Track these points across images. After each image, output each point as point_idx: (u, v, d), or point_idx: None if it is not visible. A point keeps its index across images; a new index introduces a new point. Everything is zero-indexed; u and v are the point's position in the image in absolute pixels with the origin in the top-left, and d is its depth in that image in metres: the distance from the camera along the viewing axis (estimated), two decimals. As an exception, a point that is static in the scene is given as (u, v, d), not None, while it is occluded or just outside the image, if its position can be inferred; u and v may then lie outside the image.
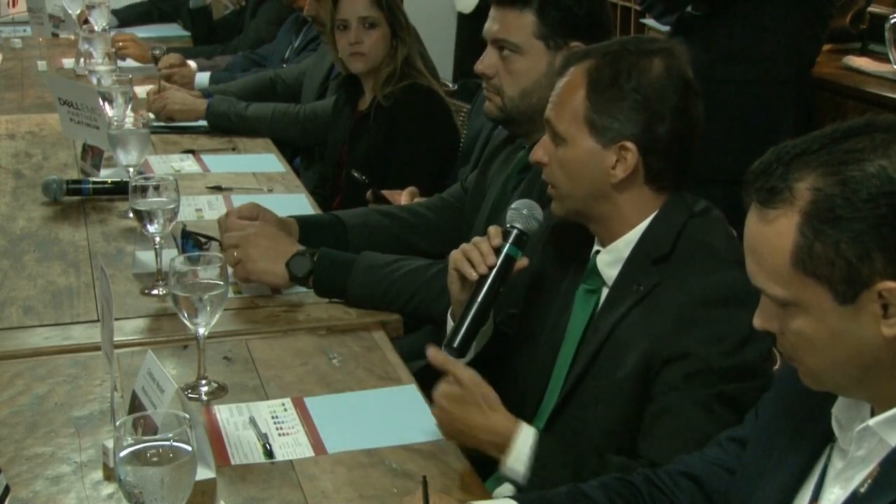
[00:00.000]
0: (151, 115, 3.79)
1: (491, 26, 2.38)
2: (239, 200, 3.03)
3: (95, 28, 4.83)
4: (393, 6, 3.34)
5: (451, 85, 4.16)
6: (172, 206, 2.31)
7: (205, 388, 1.98)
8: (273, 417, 1.92)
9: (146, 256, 2.49)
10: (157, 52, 4.80)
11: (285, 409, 1.95)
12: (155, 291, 2.39)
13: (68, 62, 4.95)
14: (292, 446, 1.83)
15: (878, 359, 1.28)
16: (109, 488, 1.68)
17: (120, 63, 4.75)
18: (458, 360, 2.00)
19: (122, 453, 1.36)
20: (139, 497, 1.35)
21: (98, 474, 1.72)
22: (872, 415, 1.33)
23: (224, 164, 3.47)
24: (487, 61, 2.39)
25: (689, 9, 3.32)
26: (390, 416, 1.95)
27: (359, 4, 3.31)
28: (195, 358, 2.00)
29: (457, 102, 3.76)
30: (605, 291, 1.91)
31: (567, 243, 2.03)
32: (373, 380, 2.07)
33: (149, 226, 2.30)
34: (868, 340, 1.28)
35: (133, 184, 2.34)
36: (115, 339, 1.89)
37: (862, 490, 1.30)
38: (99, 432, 1.84)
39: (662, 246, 1.85)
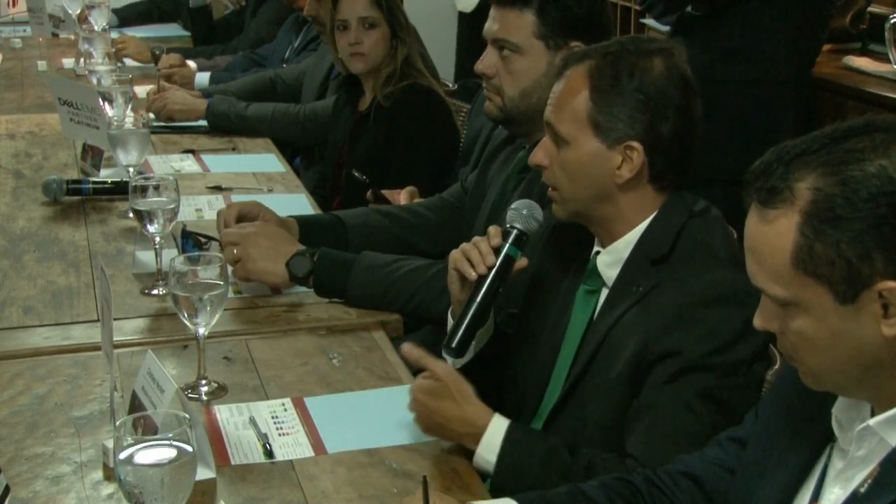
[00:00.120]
0: (151, 115, 3.79)
1: (491, 26, 2.38)
2: (239, 200, 3.03)
3: (95, 28, 4.82)
4: (393, 6, 3.34)
5: (451, 85, 4.16)
6: (172, 206, 2.31)
7: (205, 388, 1.98)
8: (273, 417, 1.92)
9: (146, 256, 2.50)
10: (157, 52, 4.80)
11: (285, 409, 1.95)
12: (155, 291, 2.39)
13: (68, 62, 4.95)
14: (292, 446, 1.83)
15: (879, 359, 1.28)
16: (109, 488, 1.68)
17: (126, 61, 4.77)
18: (457, 360, 2.00)
19: (122, 453, 1.36)
20: (139, 497, 1.35)
21: (98, 474, 1.72)
22: (872, 415, 1.33)
23: (224, 164, 3.47)
24: (487, 61, 2.39)
25: (689, 9, 3.32)
26: (390, 416, 1.94)
27: (358, 5, 3.31)
28: (195, 358, 2.00)
29: (457, 102, 3.76)
30: (604, 292, 1.91)
31: (567, 244, 2.03)
32: (373, 380, 2.08)
33: (149, 226, 2.30)
34: (868, 340, 1.28)
35: (133, 184, 2.34)
36: (115, 339, 1.89)
37: (862, 490, 1.30)
38: (99, 432, 1.84)
39: (661, 247, 1.85)
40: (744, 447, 1.57)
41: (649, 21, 4.75)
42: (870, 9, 4.20)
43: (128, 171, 2.77)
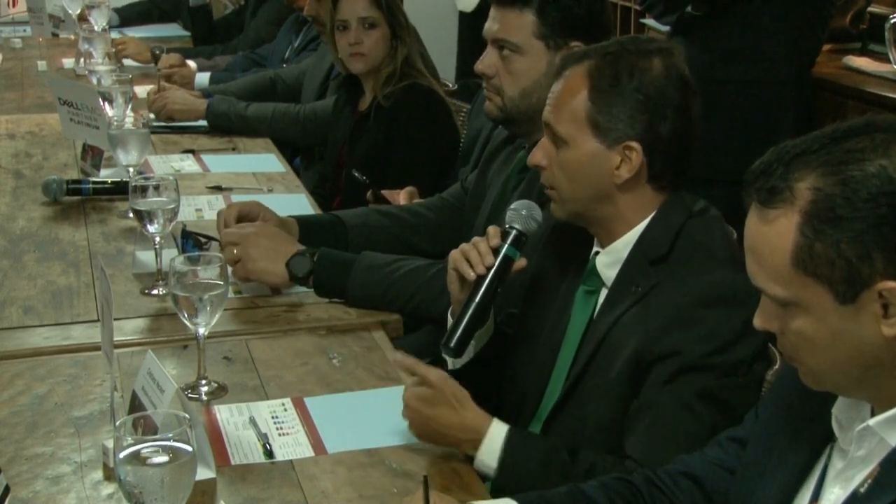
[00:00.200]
0: (151, 115, 3.79)
1: (491, 26, 2.38)
2: (239, 200, 3.03)
3: (95, 28, 4.82)
4: (392, 6, 3.34)
5: (451, 85, 4.16)
6: (172, 206, 2.31)
7: (205, 388, 1.98)
8: (273, 417, 1.92)
9: (146, 256, 2.50)
10: (157, 52, 4.80)
11: (285, 409, 1.95)
12: (155, 291, 2.39)
13: (68, 62, 4.95)
14: (292, 446, 1.83)
15: (879, 359, 1.29)
16: (109, 488, 1.68)
17: (124, 62, 4.77)
18: (456, 360, 2.00)
19: (122, 453, 1.36)
20: (139, 497, 1.35)
21: (98, 474, 1.72)
22: (872, 415, 1.33)
23: (224, 164, 3.47)
24: (487, 61, 2.39)
25: (689, 9, 3.32)
26: (390, 416, 1.94)
27: (358, 5, 3.31)
28: (195, 358, 2.00)
29: (457, 102, 3.76)
30: (604, 292, 1.91)
31: (567, 244, 2.03)
32: (373, 380, 2.07)
33: (149, 226, 2.30)
34: (868, 340, 1.28)
35: (133, 184, 2.34)
36: (115, 339, 1.89)
37: (862, 490, 1.30)
38: (99, 432, 1.84)
39: (660, 247, 1.85)
40: (744, 447, 1.57)
41: (649, 21, 4.75)
42: (870, 9, 4.20)
43: (128, 171, 2.77)
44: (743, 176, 1.35)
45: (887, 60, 3.81)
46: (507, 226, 1.96)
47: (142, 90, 3.95)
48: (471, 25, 6.06)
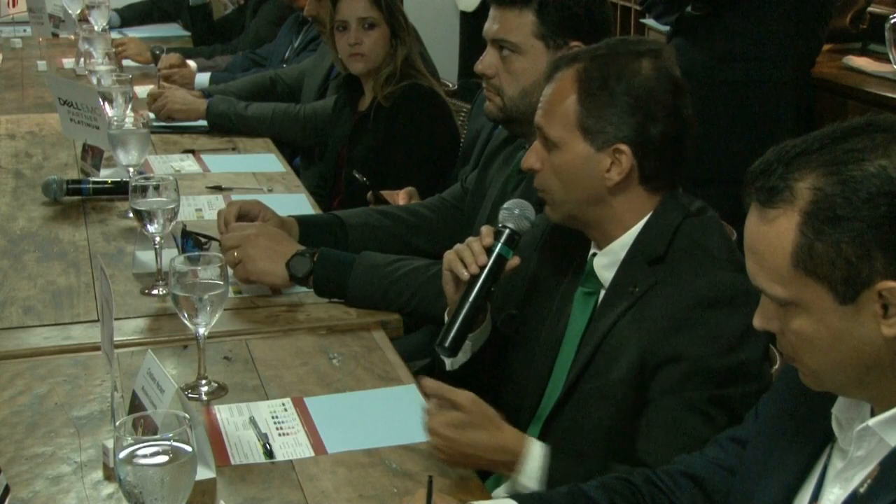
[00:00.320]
0: (151, 115, 3.79)
1: (490, 26, 2.38)
2: (239, 200, 3.03)
3: (95, 28, 4.82)
4: (392, 6, 3.34)
5: (451, 84, 4.16)
6: (172, 206, 2.31)
7: (205, 388, 1.98)
8: (273, 417, 1.92)
9: (146, 256, 2.49)
10: (157, 52, 4.80)
11: (285, 409, 1.95)
12: (155, 291, 2.39)
13: (68, 62, 4.95)
14: (292, 446, 1.83)
15: (879, 359, 1.28)
16: (109, 488, 1.68)
17: (124, 63, 4.77)
18: (452, 360, 2.00)
19: (122, 453, 1.36)
20: (139, 497, 1.35)
21: (98, 474, 1.72)
22: (872, 415, 1.33)
23: (224, 164, 3.47)
24: (487, 61, 2.39)
25: (689, 9, 3.32)
26: (390, 416, 1.95)
27: (358, 5, 3.31)
28: (195, 358, 2.00)
29: (457, 102, 3.76)
30: (602, 293, 1.91)
31: (564, 246, 2.03)
32: (373, 380, 2.07)
33: (149, 226, 2.31)
34: (868, 340, 1.28)
35: (133, 184, 2.34)
36: (115, 339, 1.89)
37: (862, 490, 1.30)
38: (99, 432, 1.84)
39: (657, 247, 1.85)
40: (744, 447, 1.57)
41: (649, 21, 4.75)
42: (870, 9, 4.20)
43: (128, 171, 2.77)
44: (743, 176, 1.35)
45: (887, 60, 3.81)
46: (500, 225, 1.96)
47: (142, 90, 3.95)
48: (472, 25, 6.07)
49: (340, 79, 3.59)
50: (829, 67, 3.87)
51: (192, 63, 4.64)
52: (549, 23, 2.32)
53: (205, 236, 2.50)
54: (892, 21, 3.79)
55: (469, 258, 1.95)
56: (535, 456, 1.74)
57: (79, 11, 5.22)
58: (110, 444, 1.64)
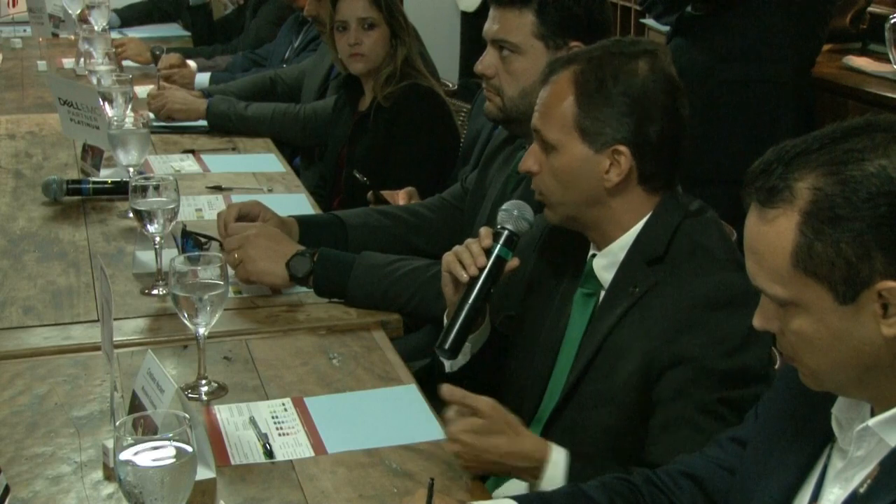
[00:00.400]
0: (151, 115, 3.79)
1: (490, 26, 2.38)
2: (239, 200, 3.03)
3: (95, 28, 4.83)
4: (392, 6, 3.34)
5: (451, 85, 4.16)
6: (172, 206, 2.31)
7: (205, 388, 1.98)
8: (273, 417, 1.92)
9: (146, 256, 2.50)
10: (157, 52, 4.80)
11: (285, 409, 1.95)
12: (155, 291, 2.39)
13: (68, 62, 4.95)
14: (292, 446, 1.83)
15: (878, 359, 1.28)
16: (109, 488, 1.68)
17: (123, 63, 4.77)
18: (452, 362, 2.00)
19: (122, 453, 1.36)
20: (139, 497, 1.35)
21: (98, 474, 1.72)
22: (872, 415, 1.33)
23: (224, 164, 3.47)
24: (487, 61, 2.39)
25: (689, 9, 3.32)
26: (390, 416, 1.95)
27: (358, 5, 3.31)
28: (195, 358, 2.00)
29: (457, 102, 3.76)
30: (602, 294, 1.91)
31: (563, 247, 2.02)
32: (373, 380, 2.08)
33: (149, 226, 2.31)
34: (868, 340, 1.28)
35: (133, 184, 2.34)
36: (115, 339, 1.89)
37: (861, 490, 1.30)
38: (99, 432, 1.84)
39: (657, 247, 1.85)
40: (744, 447, 1.57)
41: (649, 21, 4.75)
42: (870, 9, 4.20)
43: (128, 171, 2.77)
44: (743, 176, 1.35)
45: (887, 60, 3.81)
46: (498, 226, 1.96)
47: (142, 90, 3.95)
48: (473, 25, 6.07)
49: (340, 79, 3.59)
50: (829, 67, 3.87)
51: (192, 63, 4.64)
52: (548, 23, 2.32)
53: (205, 236, 2.50)
54: (892, 21, 3.79)
55: (468, 260, 1.94)
56: (556, 462, 1.73)
57: (79, 11, 5.22)
58: (110, 444, 1.64)
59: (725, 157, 2.99)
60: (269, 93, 4.21)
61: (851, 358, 1.29)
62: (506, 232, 1.95)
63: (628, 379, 1.79)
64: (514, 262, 1.96)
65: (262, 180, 3.30)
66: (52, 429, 1.86)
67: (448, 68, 5.64)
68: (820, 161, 1.28)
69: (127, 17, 6.04)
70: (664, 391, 1.76)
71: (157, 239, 2.33)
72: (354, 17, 3.31)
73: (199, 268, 1.92)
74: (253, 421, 1.90)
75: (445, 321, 2.04)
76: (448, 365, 2.03)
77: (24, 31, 5.72)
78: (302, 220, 2.64)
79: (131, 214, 2.56)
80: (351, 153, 3.43)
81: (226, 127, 3.82)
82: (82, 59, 4.41)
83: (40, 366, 2.09)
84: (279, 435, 1.86)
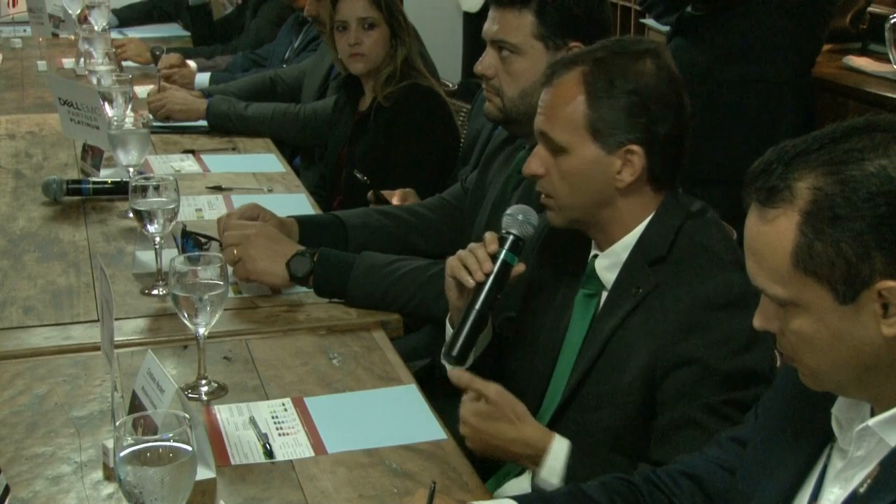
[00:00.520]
0: (151, 115, 3.79)
1: (490, 27, 2.38)
2: (239, 200, 3.03)
3: (95, 28, 4.83)
4: (392, 6, 3.34)
5: (451, 84, 4.16)
6: (172, 206, 2.31)
7: (205, 388, 1.98)
8: (273, 417, 1.92)
9: (146, 256, 2.50)
10: (157, 52, 4.80)
11: (285, 409, 1.95)
12: (155, 291, 2.39)
13: (68, 62, 4.95)
14: (292, 446, 1.83)
15: (878, 358, 1.28)
16: (109, 488, 1.68)
17: (123, 63, 4.77)
18: (460, 368, 1.99)
19: (122, 453, 1.36)
20: (139, 497, 1.35)
21: (98, 474, 1.72)
22: (872, 415, 1.33)
23: (224, 164, 3.47)
24: (487, 62, 2.38)
25: (689, 9, 3.32)
26: (390, 416, 1.95)
27: (357, 5, 3.31)
28: (195, 358, 2.00)
29: (457, 102, 3.76)
30: (604, 295, 1.91)
31: (564, 248, 2.02)
32: (373, 380, 2.08)
33: (149, 226, 2.31)
34: (868, 340, 1.28)
35: (133, 184, 2.34)
36: (115, 339, 1.89)
37: (861, 490, 1.30)
38: (99, 432, 1.84)
39: (659, 248, 1.84)
40: (744, 447, 1.57)
41: (649, 21, 4.76)
42: (870, 9, 4.20)
43: (128, 171, 2.78)
44: (742, 176, 1.35)
45: (887, 60, 3.81)
46: (503, 231, 1.95)
47: (142, 90, 3.95)
48: (475, 26, 6.06)
49: (340, 79, 3.59)
50: (829, 67, 3.87)
51: (192, 63, 4.64)
52: (548, 23, 2.31)
53: (205, 236, 2.50)
54: (892, 21, 3.79)
55: (474, 265, 1.94)
56: (557, 452, 1.75)
57: (79, 11, 5.22)
58: (110, 444, 1.65)
59: (725, 157, 2.99)
60: (269, 93, 4.21)
61: (851, 358, 1.29)
62: (511, 237, 1.94)
63: (633, 380, 1.79)
64: (519, 268, 1.95)
65: (262, 180, 3.30)
66: (52, 429, 1.86)
67: (449, 69, 5.64)
68: (820, 161, 1.28)
69: (126, 18, 6.04)
70: (669, 392, 1.76)
71: (157, 239, 2.34)
72: (354, 17, 3.31)
73: (199, 268, 1.92)
74: (253, 421, 1.90)
75: (448, 326, 2.04)
76: (449, 369, 2.03)
77: (24, 31, 5.72)
78: (302, 221, 2.63)
79: (131, 214, 2.56)
80: (351, 153, 3.43)
81: (226, 127, 3.82)
82: (82, 59, 4.41)
83: (40, 366, 2.09)
84: (279, 435, 1.86)
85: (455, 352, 1.91)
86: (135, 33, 5.72)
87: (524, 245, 1.96)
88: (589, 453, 1.78)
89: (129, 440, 1.38)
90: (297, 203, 3.06)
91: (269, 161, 3.54)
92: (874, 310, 1.26)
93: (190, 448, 1.38)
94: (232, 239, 2.40)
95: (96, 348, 1.99)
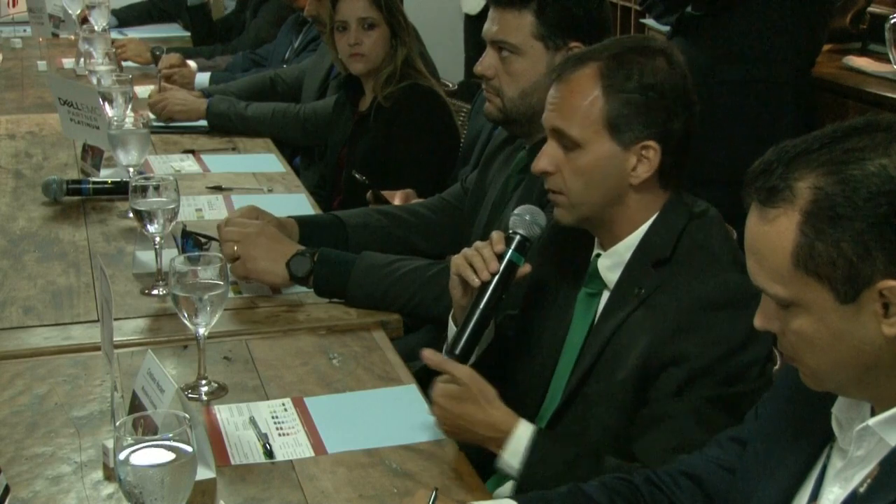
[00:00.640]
0: (151, 115, 3.79)
1: (490, 27, 2.38)
2: (239, 200, 3.04)
3: (95, 28, 4.83)
4: (392, 6, 3.34)
5: (451, 84, 4.16)
6: (172, 206, 2.31)
7: (205, 388, 1.98)
8: (273, 417, 1.92)
9: (146, 256, 2.50)
10: (158, 52, 4.80)
11: (285, 409, 1.95)
12: (155, 291, 2.39)
13: (68, 62, 4.95)
14: (292, 446, 1.83)
15: (879, 358, 1.28)
16: (109, 488, 1.68)
17: (123, 64, 4.77)
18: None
19: (122, 453, 1.36)
20: (139, 497, 1.35)
21: (98, 474, 1.72)
22: (872, 414, 1.33)
23: (224, 164, 3.47)
24: (486, 62, 2.38)
25: (689, 9, 3.32)
26: (390, 416, 1.95)
27: (358, 5, 3.31)
28: (195, 358, 2.00)
29: (457, 102, 3.76)
30: (605, 295, 1.91)
31: (566, 247, 2.02)
32: (373, 380, 2.08)
33: (149, 226, 2.31)
34: (868, 340, 1.28)
35: (133, 184, 2.34)
36: (115, 339, 1.89)
37: (861, 490, 1.30)
38: (99, 432, 1.84)
39: (663, 249, 1.84)
40: (744, 447, 1.57)
41: (649, 21, 4.75)
42: (870, 9, 4.20)
43: (128, 171, 2.78)
44: (743, 176, 1.35)
45: (887, 60, 3.81)
46: (510, 231, 1.95)
47: (142, 90, 3.95)
48: (477, 27, 6.06)
49: (340, 79, 3.59)
50: (829, 67, 3.87)
51: (192, 63, 4.64)
52: (548, 24, 2.31)
53: (205, 236, 2.50)
54: (892, 21, 3.79)
55: (480, 264, 1.93)
56: (520, 436, 1.77)
57: (79, 12, 5.22)
58: (110, 444, 1.65)
59: (725, 157, 2.99)
60: (269, 93, 4.21)
61: (852, 357, 1.29)
62: (518, 237, 1.94)
63: (626, 378, 1.79)
64: (525, 268, 1.95)
65: (262, 180, 3.30)
66: (52, 429, 1.86)
67: (451, 69, 5.64)
68: (820, 161, 1.28)
69: (126, 18, 6.04)
70: (659, 390, 1.76)
71: (157, 239, 2.34)
72: (354, 17, 3.31)
73: (199, 268, 1.92)
74: (253, 421, 1.90)
75: (451, 325, 2.03)
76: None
77: (24, 31, 5.72)
78: (302, 221, 2.63)
79: (131, 214, 2.56)
80: (351, 153, 3.43)
81: (226, 127, 3.82)
82: (82, 59, 4.41)
83: (40, 366, 2.09)
84: (279, 435, 1.86)
85: (458, 350, 1.91)
86: (135, 33, 5.72)
87: (531, 246, 1.96)
88: (553, 439, 1.80)
89: (129, 440, 1.38)
90: (297, 203, 3.06)
91: (269, 161, 3.54)
92: (875, 309, 1.26)
93: (190, 448, 1.38)
94: (231, 235, 2.40)
95: (96, 348, 1.99)
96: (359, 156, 3.37)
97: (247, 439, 1.85)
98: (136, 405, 1.73)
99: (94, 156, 3.18)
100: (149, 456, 1.37)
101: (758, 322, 1.38)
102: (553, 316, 1.99)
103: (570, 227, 1.95)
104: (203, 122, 3.84)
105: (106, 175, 3.14)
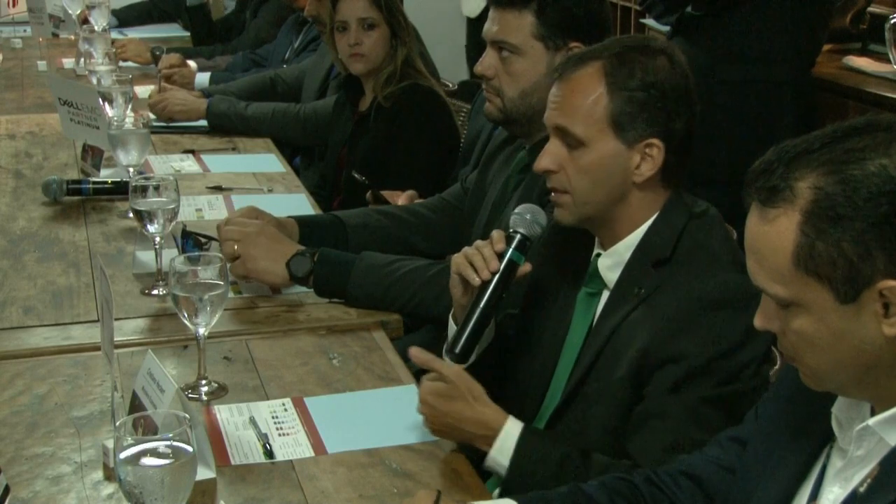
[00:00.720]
0: (151, 115, 3.79)
1: (490, 27, 2.38)
2: (239, 200, 3.04)
3: (95, 28, 4.83)
4: (392, 7, 3.34)
5: (451, 84, 4.16)
6: (172, 206, 2.31)
7: (205, 388, 1.98)
8: (273, 417, 1.92)
9: (146, 256, 2.50)
10: (158, 52, 4.80)
11: (285, 409, 1.95)
12: (155, 291, 2.39)
13: (68, 62, 4.95)
14: (292, 446, 1.83)
15: (879, 358, 1.28)
16: (109, 488, 1.68)
17: (122, 64, 4.77)
18: (459, 364, 2.00)
19: (122, 453, 1.36)
20: (139, 497, 1.35)
21: (98, 474, 1.72)
22: (872, 414, 1.33)
23: (224, 164, 3.47)
24: (487, 62, 2.38)
25: (689, 9, 3.32)
26: (390, 416, 1.94)
27: (358, 5, 3.31)
28: (195, 358, 2.00)
29: (457, 102, 3.76)
30: (605, 294, 1.91)
31: (567, 246, 2.02)
32: (373, 380, 2.08)
33: (149, 226, 2.31)
34: (869, 340, 1.28)
35: (133, 184, 2.34)
36: (115, 339, 1.88)
37: (861, 489, 1.30)
38: (99, 432, 1.84)
39: (664, 249, 1.84)
40: (744, 447, 1.57)
41: (649, 21, 4.75)
42: (870, 9, 4.20)
43: (128, 171, 2.78)
44: (743, 176, 1.35)
45: (887, 60, 3.81)
46: (511, 230, 1.95)
47: (142, 90, 3.95)
48: (479, 28, 6.06)
49: (340, 79, 3.59)
50: (829, 67, 3.87)
51: (192, 63, 4.64)
52: (548, 24, 2.31)
53: (205, 236, 2.50)
54: (892, 21, 3.79)
55: (480, 263, 1.93)
56: (509, 433, 1.77)
57: (79, 12, 5.22)
58: (110, 444, 1.64)
59: (725, 158, 2.99)
60: (269, 93, 4.21)
61: (852, 357, 1.29)
62: (518, 236, 1.94)
63: (623, 376, 1.79)
64: (526, 268, 1.95)
65: (262, 180, 3.30)
66: (52, 429, 1.86)
67: (451, 69, 5.64)
68: (821, 160, 1.28)
69: (126, 18, 6.04)
70: (656, 386, 1.77)
71: (157, 239, 2.34)
72: (354, 17, 3.31)
73: (199, 268, 1.92)
74: (253, 421, 1.90)
75: (451, 324, 2.03)
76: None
77: (24, 31, 5.72)
78: (302, 221, 2.63)
79: (131, 214, 2.56)
80: (351, 153, 3.44)
81: (226, 127, 3.82)
82: (82, 59, 4.41)
83: (40, 366, 2.09)
84: (279, 435, 1.86)
85: (458, 349, 1.91)
86: (135, 33, 5.73)
87: (531, 245, 1.96)
88: (542, 436, 1.80)
89: (129, 440, 1.38)
90: (297, 203, 3.06)
91: (269, 161, 3.54)
92: (875, 309, 1.26)
93: (190, 448, 1.38)
94: (231, 234, 2.40)
95: (96, 348, 1.99)
96: (359, 156, 3.37)
97: (247, 439, 1.85)
98: (136, 405, 1.73)
99: (94, 156, 3.18)
100: (149, 456, 1.37)
101: (758, 322, 1.38)
102: (553, 315, 1.99)
103: (571, 226, 1.95)
104: (203, 122, 3.84)
105: (106, 175, 3.14)
